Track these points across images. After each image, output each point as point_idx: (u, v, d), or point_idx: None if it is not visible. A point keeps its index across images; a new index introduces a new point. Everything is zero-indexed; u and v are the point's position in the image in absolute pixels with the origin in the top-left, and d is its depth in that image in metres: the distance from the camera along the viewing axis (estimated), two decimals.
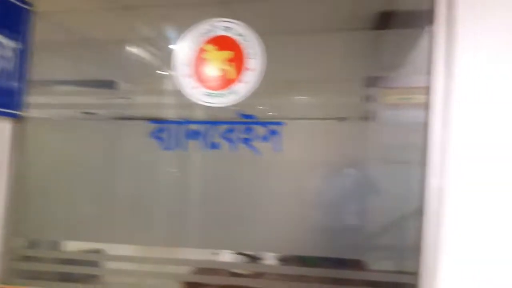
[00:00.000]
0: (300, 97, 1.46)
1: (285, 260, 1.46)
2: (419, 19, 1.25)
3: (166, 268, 1.51)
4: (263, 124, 1.40)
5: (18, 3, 1.55)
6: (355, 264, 1.37)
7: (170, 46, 1.47)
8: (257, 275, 1.44)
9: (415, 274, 1.23)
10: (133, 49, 1.56)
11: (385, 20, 1.41)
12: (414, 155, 1.26)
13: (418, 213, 1.23)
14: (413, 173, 1.27)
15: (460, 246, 1.12)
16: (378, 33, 1.42)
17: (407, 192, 1.29)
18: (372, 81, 1.43)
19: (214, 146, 1.44)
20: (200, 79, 1.42)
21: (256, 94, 1.38)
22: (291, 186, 1.41)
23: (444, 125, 1.16)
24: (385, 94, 1.47)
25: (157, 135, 1.49)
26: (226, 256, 1.55)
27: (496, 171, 1.11)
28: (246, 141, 1.42)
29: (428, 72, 1.21)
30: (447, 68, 1.16)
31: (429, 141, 1.20)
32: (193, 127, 1.46)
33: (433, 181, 1.19)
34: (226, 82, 1.40)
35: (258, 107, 1.42)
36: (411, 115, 1.31)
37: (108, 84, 1.60)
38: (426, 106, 1.22)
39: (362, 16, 1.43)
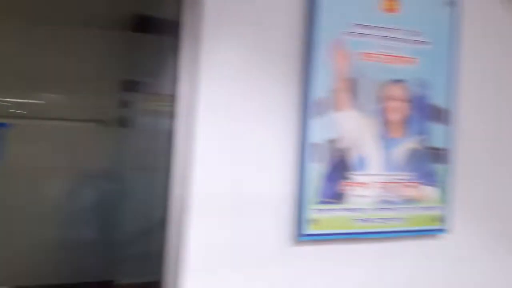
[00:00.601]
0: (36, 94, 1.24)
1: None
2: (170, 28, 1.25)
3: None
4: None
5: None
6: (103, 284, 1.25)
7: None
8: None
9: (159, 284, 1.20)
10: None
11: (142, 24, 1.37)
12: (165, 163, 1.24)
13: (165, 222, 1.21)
14: (164, 182, 1.25)
15: (201, 255, 1.13)
16: (136, 36, 1.36)
17: (158, 201, 1.26)
18: (131, 86, 1.36)
19: None
20: None
21: None
22: (18, 202, 1.17)
23: (188, 134, 1.17)
24: (143, 100, 1.43)
25: None
26: None
27: (238, 182, 1.16)
28: None
29: (176, 81, 1.22)
30: (192, 78, 1.18)
31: (174, 150, 1.20)
32: None
33: (176, 190, 1.19)
34: None
35: None
36: (165, 123, 1.30)
37: None
38: (173, 114, 1.22)
39: (119, 16, 1.35)
